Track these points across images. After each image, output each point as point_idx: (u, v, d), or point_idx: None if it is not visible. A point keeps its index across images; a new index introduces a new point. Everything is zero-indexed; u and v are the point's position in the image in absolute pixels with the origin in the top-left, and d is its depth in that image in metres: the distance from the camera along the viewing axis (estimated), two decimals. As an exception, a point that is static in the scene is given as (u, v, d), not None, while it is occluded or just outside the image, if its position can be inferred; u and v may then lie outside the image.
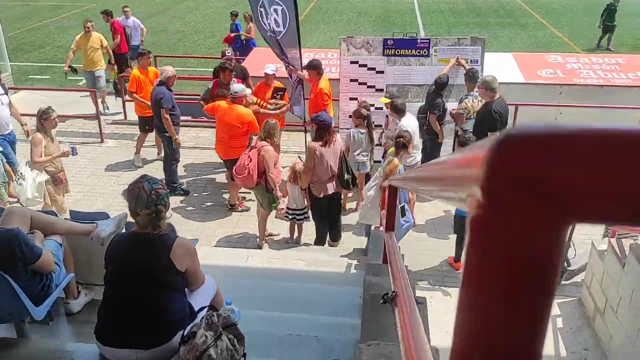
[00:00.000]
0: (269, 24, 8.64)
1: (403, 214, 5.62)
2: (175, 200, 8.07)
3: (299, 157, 9.13)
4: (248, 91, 7.39)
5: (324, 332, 3.04)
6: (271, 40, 8.81)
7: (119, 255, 2.84)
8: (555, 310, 5.75)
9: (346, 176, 6.38)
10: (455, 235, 6.55)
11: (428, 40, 8.20)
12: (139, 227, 2.82)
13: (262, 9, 8.56)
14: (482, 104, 7.51)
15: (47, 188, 6.50)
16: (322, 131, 6.16)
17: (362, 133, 7.07)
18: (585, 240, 6.86)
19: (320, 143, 6.12)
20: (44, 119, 6.30)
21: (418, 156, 7.39)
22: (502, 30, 19.31)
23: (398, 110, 7.09)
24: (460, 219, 6.37)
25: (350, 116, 8.35)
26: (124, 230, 3.40)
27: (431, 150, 7.80)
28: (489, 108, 6.80)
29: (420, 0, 25.22)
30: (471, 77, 7.66)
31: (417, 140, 7.24)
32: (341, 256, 5.98)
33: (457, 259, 6.52)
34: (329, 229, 6.65)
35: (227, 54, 8.85)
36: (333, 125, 6.96)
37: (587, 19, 20.53)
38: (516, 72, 10.43)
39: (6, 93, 7.82)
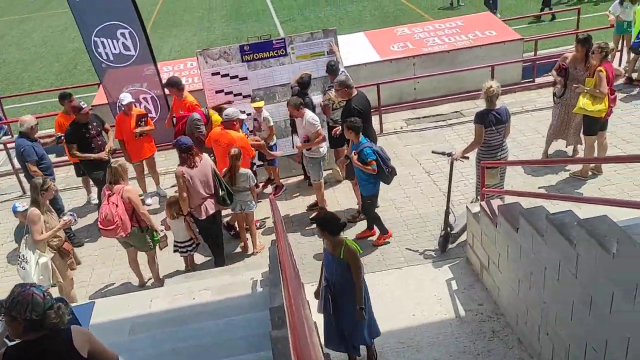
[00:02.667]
0: (107, 54, 8.33)
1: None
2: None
3: None
4: (243, 116, 7.15)
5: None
6: (107, 70, 8.51)
7: None
8: (447, 273, 6.28)
9: (220, 192, 6.40)
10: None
11: (283, 40, 8.32)
12: (42, 331, 2.73)
13: (97, 39, 8.21)
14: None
15: (55, 265, 5.84)
16: (185, 154, 6.18)
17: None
18: (462, 200, 7.52)
19: (186, 166, 6.16)
20: (45, 191, 5.78)
21: (325, 145, 7.56)
22: (351, 4, 19.95)
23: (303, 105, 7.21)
24: (367, 198, 6.76)
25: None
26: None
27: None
28: (348, 106, 7.09)
29: (267, -14, 25.24)
30: (330, 69, 7.93)
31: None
32: (245, 273, 6.04)
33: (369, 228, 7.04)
34: (211, 251, 6.75)
35: (82, 106, 7.60)
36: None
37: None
38: (371, 51, 10.93)
39: None
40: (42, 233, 5.68)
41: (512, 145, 8.62)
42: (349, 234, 7.06)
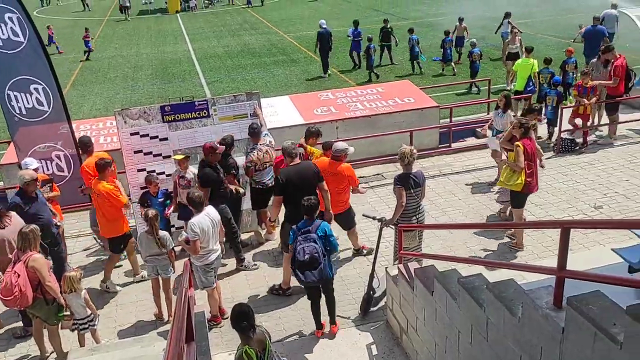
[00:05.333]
0: (19, 107, 8.01)
1: None
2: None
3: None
4: (351, 150, 7.52)
5: None
6: (20, 125, 8.16)
7: None
8: (368, 338, 6.21)
9: None
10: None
11: (205, 102, 8.31)
12: None
13: (10, 92, 7.89)
14: (267, 155, 7.90)
15: None
16: None
17: (150, 235, 6.47)
18: (382, 262, 7.56)
19: None
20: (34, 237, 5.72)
21: (213, 256, 6.41)
22: (278, 68, 20.43)
23: (195, 204, 6.24)
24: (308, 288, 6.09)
25: (141, 188, 8.09)
26: None
27: (234, 207, 7.88)
28: (277, 176, 6.91)
29: (195, 47, 25.50)
30: (252, 131, 7.95)
31: (214, 242, 6.41)
32: (156, 344, 5.70)
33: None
34: None
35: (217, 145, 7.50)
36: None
37: (344, 47, 22.46)
38: (295, 114, 11.13)
39: None
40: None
41: (430, 207, 8.89)
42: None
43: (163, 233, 6.53)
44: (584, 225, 6.90)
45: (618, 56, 10.91)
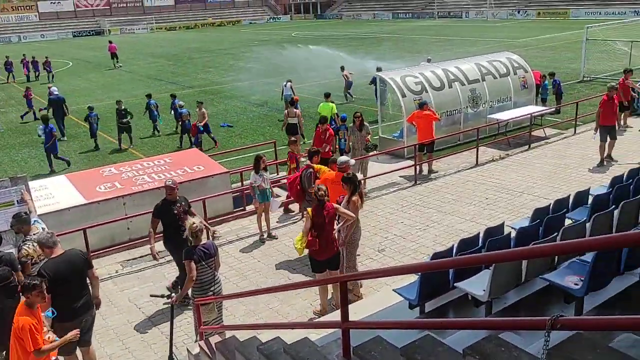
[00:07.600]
0: None
1: None
2: None
3: None
4: (352, 162, 8.67)
5: None
6: None
7: None
8: None
9: None
10: None
11: (-42, 191, 7.22)
12: None
13: None
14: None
15: None
16: None
17: None
18: (186, 341, 7.19)
19: None
20: None
21: None
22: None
23: None
24: None
25: None
26: None
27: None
28: (41, 270, 5.86)
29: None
30: (21, 221, 7.05)
31: None
32: None
33: None
34: None
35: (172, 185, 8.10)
36: None
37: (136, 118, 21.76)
38: (75, 194, 10.26)
39: None
40: None
41: (231, 273, 8.84)
42: None
43: None
44: (356, 277, 7.34)
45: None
